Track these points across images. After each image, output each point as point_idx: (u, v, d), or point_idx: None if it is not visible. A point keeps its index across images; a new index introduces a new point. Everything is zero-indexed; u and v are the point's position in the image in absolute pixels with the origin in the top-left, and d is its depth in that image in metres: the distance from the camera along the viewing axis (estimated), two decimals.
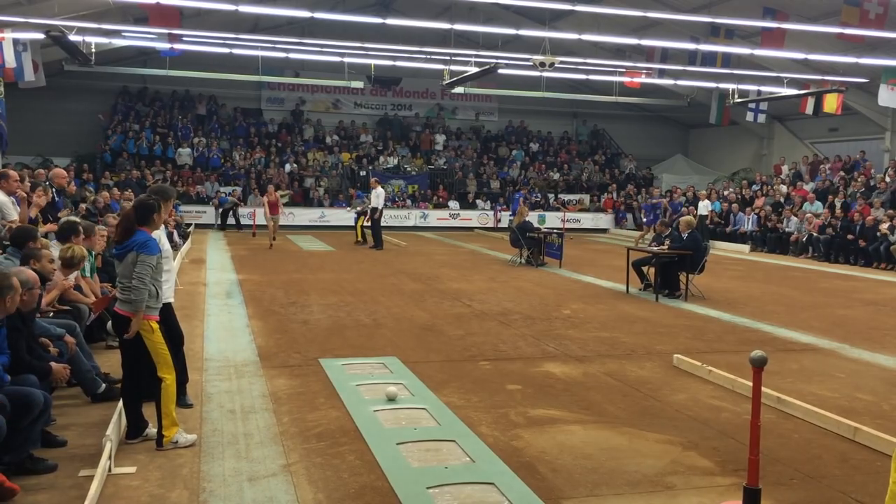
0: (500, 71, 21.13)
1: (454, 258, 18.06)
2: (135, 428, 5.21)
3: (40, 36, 16.97)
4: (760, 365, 4.32)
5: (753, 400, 4.27)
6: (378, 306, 10.83)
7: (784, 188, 24.57)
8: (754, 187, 25.63)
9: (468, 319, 10.04)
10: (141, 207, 5.19)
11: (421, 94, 32.01)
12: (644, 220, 26.00)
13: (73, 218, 9.39)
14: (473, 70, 20.89)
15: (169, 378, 5.06)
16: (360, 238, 20.80)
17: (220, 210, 25.25)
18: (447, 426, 5.69)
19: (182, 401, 5.73)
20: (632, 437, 5.57)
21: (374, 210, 19.70)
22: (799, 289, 14.11)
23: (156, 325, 5.07)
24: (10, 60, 17.03)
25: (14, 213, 8.40)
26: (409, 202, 28.36)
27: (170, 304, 5.73)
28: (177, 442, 5.04)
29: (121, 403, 5.29)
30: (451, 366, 7.54)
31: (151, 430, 5.21)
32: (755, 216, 23.17)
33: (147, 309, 5.01)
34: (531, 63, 18.32)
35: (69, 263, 7.04)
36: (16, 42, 17.38)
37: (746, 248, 22.14)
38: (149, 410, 5.21)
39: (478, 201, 29.03)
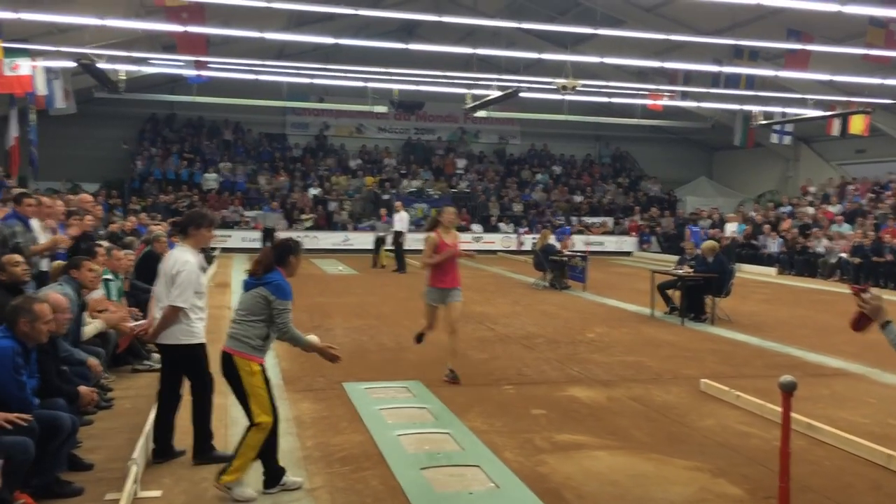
0: (523, 94, 21.25)
1: (477, 281, 18.02)
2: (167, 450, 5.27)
3: (71, 64, 17.34)
4: (790, 390, 4.25)
5: (783, 426, 4.20)
6: (401, 329, 10.82)
7: (811, 210, 24.30)
8: (781, 210, 25.37)
9: (492, 343, 9.99)
10: (280, 248, 5.01)
11: (444, 118, 32.19)
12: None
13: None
14: (496, 94, 21.02)
15: (266, 421, 4.72)
16: (381, 264, 20.69)
17: (264, 230, 24.44)
18: (471, 451, 5.65)
19: (212, 454, 5.32)
20: (659, 463, 5.49)
21: (398, 234, 19.75)
22: (828, 312, 13.88)
23: (258, 368, 4.79)
24: (41, 88, 17.39)
25: (44, 239, 8.51)
26: None
27: (203, 344, 5.41)
28: (230, 489, 4.66)
29: (149, 426, 5.31)
30: (475, 390, 7.50)
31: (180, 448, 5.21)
32: (781, 239, 22.92)
33: (252, 350, 4.79)
34: (553, 86, 18.41)
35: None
36: (48, 70, 17.76)
37: (773, 270, 21.86)
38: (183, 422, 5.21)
39: (500, 224, 29.02)
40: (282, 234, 23.18)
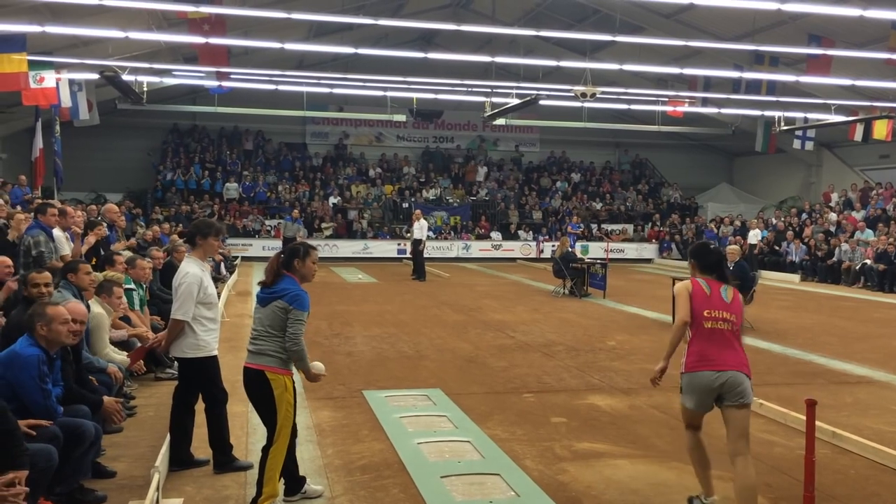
0: (542, 102, 21.22)
1: (496, 289, 18.00)
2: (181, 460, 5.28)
3: (95, 76, 17.58)
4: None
5: (808, 434, 4.16)
6: (421, 338, 10.83)
7: (834, 216, 24.05)
8: (803, 216, 25.13)
9: (511, 351, 9.97)
10: (287, 252, 4.86)
11: (462, 126, 32.24)
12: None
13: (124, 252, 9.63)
14: (515, 102, 21.01)
15: (287, 435, 4.68)
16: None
17: (284, 240, 24.05)
18: (491, 459, 5.63)
19: (233, 464, 5.34)
20: (680, 471, 5.44)
21: (417, 242, 19.80)
22: (852, 319, 13.72)
23: (290, 382, 4.70)
24: (65, 100, 17.63)
25: (67, 249, 8.64)
26: (451, 234, 28.45)
27: (214, 356, 5.37)
28: None
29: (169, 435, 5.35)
30: (495, 398, 7.49)
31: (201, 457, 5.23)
32: (804, 245, 22.68)
33: (282, 364, 4.67)
34: (572, 94, 18.36)
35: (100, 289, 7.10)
36: (71, 82, 18.00)
37: (796, 277, 21.63)
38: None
39: (520, 232, 28.98)
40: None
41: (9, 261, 6.89)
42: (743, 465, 4.29)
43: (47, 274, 6.10)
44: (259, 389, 4.67)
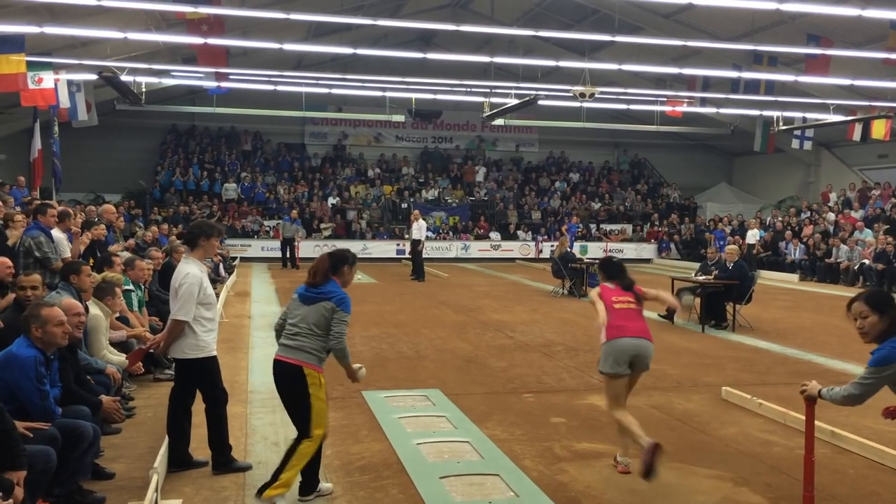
0: (541, 102, 21.23)
1: (496, 289, 18.00)
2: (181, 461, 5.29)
3: (93, 77, 17.58)
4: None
5: (807, 434, 4.16)
6: (420, 338, 10.82)
7: (832, 216, 24.06)
8: (802, 215, 25.14)
9: (511, 351, 9.97)
10: (336, 256, 5.00)
11: (461, 126, 32.25)
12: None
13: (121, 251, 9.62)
14: (513, 102, 21.02)
15: (320, 434, 4.78)
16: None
17: (282, 240, 23.66)
18: (490, 460, 5.63)
19: (232, 465, 5.33)
20: (681, 472, 5.44)
21: (416, 242, 19.80)
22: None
23: (324, 380, 4.83)
24: (64, 101, 17.61)
25: (68, 251, 8.64)
26: (450, 234, 28.45)
27: (214, 357, 5.37)
28: (274, 503, 4.65)
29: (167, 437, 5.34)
30: (494, 398, 7.48)
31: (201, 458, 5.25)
32: (803, 245, 22.69)
33: (319, 362, 4.81)
34: (571, 94, 18.36)
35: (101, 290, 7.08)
36: (70, 83, 17.99)
37: (795, 277, 21.65)
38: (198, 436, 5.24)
39: (519, 232, 28.98)
40: (302, 244, 23.46)
41: (9, 262, 6.89)
42: (625, 415, 5.40)
43: (36, 276, 6.08)
44: (294, 383, 4.76)
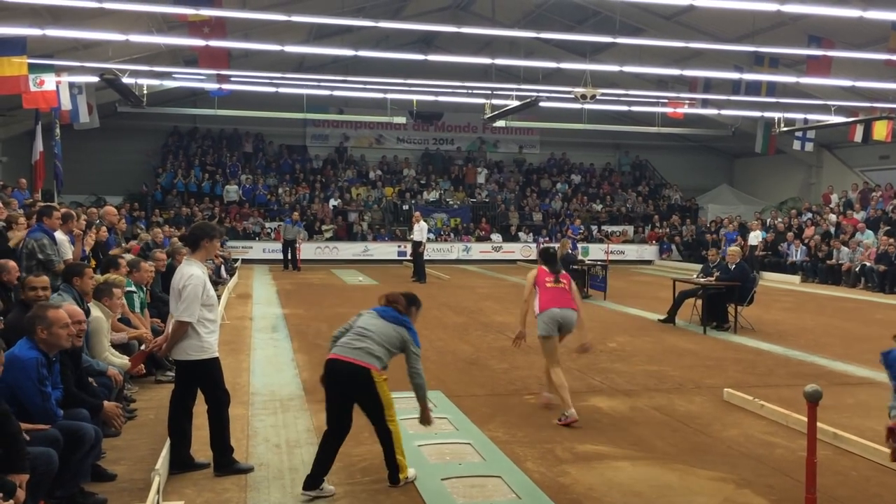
0: (542, 104, 21.22)
1: (497, 291, 17.99)
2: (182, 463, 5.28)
3: (95, 79, 17.60)
4: (815, 400, 4.19)
5: (809, 436, 4.15)
6: (421, 339, 10.78)
7: (834, 217, 24.04)
8: (803, 217, 25.11)
9: (512, 353, 9.94)
10: (410, 297, 5.54)
11: (463, 128, 32.26)
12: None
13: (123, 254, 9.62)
14: (515, 103, 21.01)
15: (392, 414, 5.15)
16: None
17: (284, 242, 23.71)
18: (492, 461, 5.63)
19: (234, 467, 5.33)
20: (683, 473, 5.43)
21: (417, 244, 19.80)
22: (853, 320, 13.71)
23: (385, 375, 5.18)
24: (66, 103, 17.64)
25: (70, 253, 8.64)
26: (451, 235, 28.45)
27: (216, 358, 5.39)
28: (409, 479, 5.15)
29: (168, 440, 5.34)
30: (496, 400, 7.48)
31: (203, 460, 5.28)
32: (804, 246, 22.67)
33: (384, 368, 5.16)
34: (572, 95, 18.36)
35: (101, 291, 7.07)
36: (71, 85, 18.01)
37: (797, 279, 21.62)
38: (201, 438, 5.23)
39: (520, 234, 28.98)
40: (303, 246, 23.46)
41: (16, 265, 6.89)
42: (559, 372, 6.85)
43: (45, 277, 6.08)
44: (362, 385, 5.05)
